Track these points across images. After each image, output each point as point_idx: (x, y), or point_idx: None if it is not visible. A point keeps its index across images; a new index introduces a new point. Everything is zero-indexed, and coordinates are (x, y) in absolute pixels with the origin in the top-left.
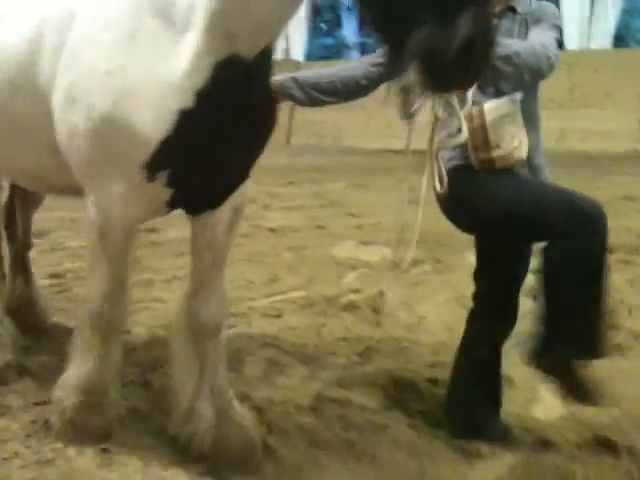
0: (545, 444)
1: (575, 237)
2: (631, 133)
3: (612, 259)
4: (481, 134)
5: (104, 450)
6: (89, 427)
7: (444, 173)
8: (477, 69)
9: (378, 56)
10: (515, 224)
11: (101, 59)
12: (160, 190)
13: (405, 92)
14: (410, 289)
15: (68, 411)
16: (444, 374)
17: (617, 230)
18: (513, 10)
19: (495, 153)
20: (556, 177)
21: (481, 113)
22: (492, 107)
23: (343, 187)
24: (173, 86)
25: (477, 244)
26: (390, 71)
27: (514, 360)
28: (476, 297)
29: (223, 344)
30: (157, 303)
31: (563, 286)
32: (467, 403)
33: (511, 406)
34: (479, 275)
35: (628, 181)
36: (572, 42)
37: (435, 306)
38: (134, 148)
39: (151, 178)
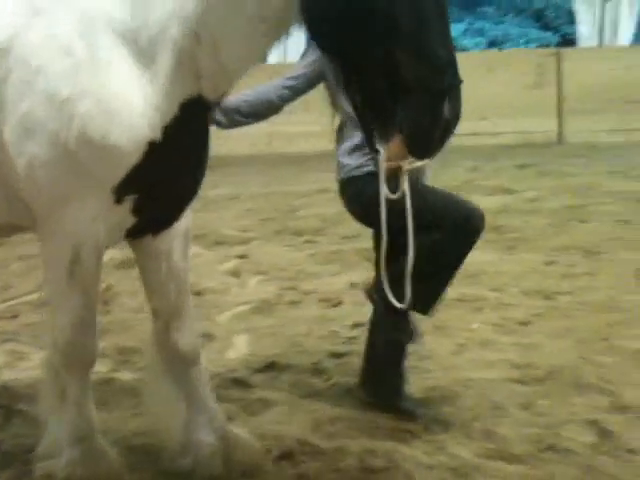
0: (234, 381)
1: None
2: (327, 135)
3: (300, 240)
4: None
5: None
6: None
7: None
8: (447, 139)
9: (289, 77)
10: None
11: (60, 85)
12: (125, 215)
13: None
14: (138, 281)
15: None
16: None
17: (308, 217)
18: None
19: (405, 165)
20: (265, 175)
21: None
22: None
23: None
24: (146, 118)
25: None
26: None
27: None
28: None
29: (204, 366)
30: None
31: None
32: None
33: (211, 353)
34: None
35: (323, 177)
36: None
37: None
38: (107, 171)
39: (119, 200)
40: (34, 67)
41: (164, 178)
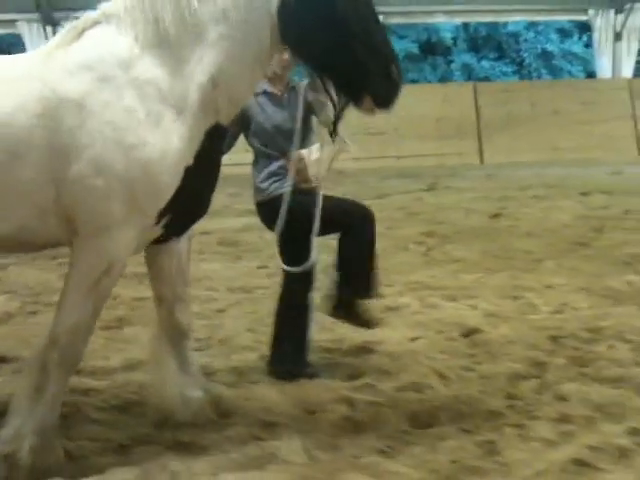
0: None
1: (356, 229)
2: None
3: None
4: (304, 171)
5: None
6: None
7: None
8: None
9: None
10: (325, 224)
11: (125, 135)
12: (157, 231)
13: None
14: None
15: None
16: None
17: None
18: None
19: (314, 183)
20: None
21: (302, 159)
22: (310, 152)
23: None
24: (182, 151)
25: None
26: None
27: None
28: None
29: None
30: None
31: (352, 254)
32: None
33: None
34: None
35: None
36: None
37: None
38: (156, 201)
39: (157, 222)
40: (105, 120)
41: (193, 195)
